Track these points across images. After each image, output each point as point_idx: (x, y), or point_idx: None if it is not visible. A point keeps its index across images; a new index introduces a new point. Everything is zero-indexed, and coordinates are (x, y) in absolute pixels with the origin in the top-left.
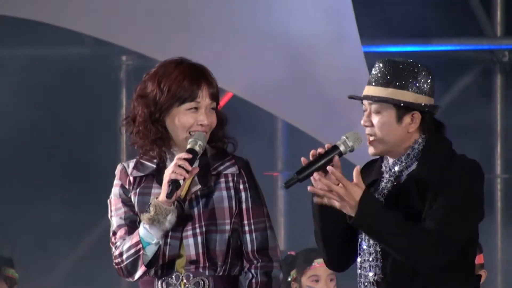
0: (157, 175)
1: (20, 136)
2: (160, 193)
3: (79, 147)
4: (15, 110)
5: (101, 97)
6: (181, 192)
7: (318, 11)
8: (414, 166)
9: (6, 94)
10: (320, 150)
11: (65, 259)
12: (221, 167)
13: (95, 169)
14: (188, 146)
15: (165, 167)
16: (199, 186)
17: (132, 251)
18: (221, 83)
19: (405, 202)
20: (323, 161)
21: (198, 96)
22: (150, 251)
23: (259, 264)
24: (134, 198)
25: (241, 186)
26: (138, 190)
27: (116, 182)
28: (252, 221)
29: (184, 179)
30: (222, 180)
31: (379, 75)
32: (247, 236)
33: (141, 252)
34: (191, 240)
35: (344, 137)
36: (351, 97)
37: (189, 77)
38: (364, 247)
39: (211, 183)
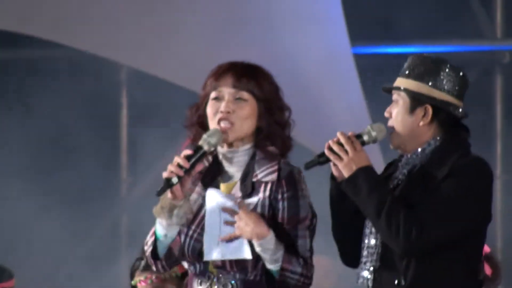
0: (204, 175)
1: (20, 137)
2: (195, 193)
3: (79, 148)
4: (15, 112)
5: (101, 98)
6: (186, 189)
7: (310, 21)
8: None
9: (9, 95)
10: (349, 133)
11: (66, 260)
12: (262, 174)
13: (96, 169)
14: (199, 143)
15: (218, 167)
16: (239, 194)
17: (150, 241)
18: None
19: (409, 193)
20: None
21: (220, 85)
22: (161, 243)
23: None
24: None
25: (279, 196)
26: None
27: None
28: (284, 230)
29: (179, 178)
30: (261, 189)
31: (405, 67)
32: None
33: (153, 243)
34: None
35: (369, 127)
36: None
37: (215, 71)
38: (366, 241)
39: (249, 191)
